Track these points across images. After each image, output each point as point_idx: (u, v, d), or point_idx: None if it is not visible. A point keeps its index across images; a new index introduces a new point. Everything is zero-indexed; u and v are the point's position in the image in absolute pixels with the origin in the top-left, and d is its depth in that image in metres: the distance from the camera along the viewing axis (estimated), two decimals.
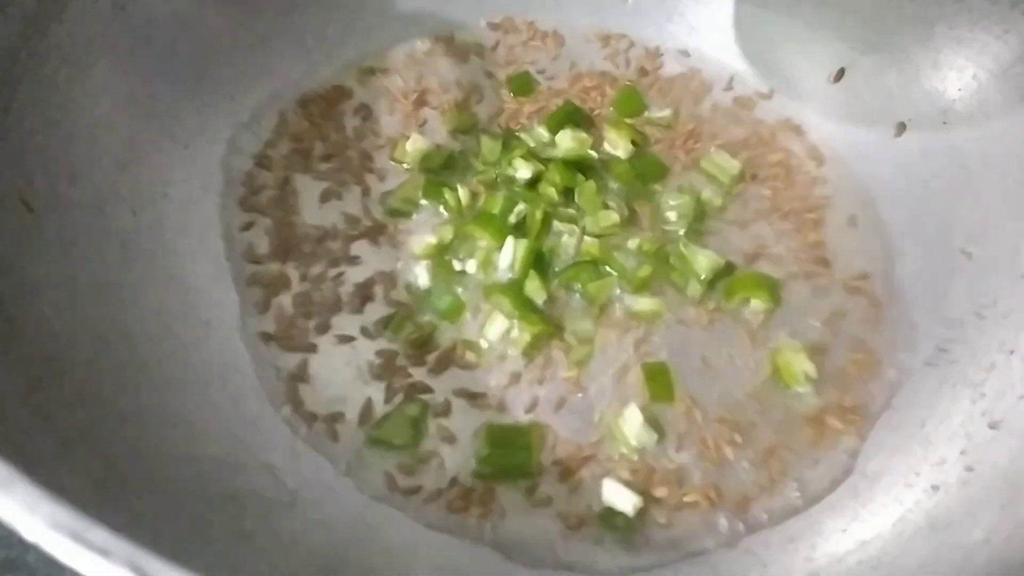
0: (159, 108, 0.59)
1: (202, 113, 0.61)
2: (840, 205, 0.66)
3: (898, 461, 0.52)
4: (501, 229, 0.61)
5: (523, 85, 0.72)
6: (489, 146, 0.66)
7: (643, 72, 0.74)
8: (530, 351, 0.57)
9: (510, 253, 0.60)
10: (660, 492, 0.53)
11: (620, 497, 0.52)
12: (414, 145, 0.65)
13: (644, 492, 0.52)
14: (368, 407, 0.55)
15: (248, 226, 0.61)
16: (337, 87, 0.69)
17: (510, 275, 0.60)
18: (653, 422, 0.55)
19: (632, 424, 0.54)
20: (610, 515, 0.52)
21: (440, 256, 0.61)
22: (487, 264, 0.61)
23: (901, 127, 0.66)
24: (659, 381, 0.57)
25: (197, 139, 0.61)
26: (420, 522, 0.51)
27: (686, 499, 0.53)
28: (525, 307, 0.58)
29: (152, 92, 0.58)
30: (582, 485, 0.53)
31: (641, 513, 0.51)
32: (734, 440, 0.55)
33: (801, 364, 0.57)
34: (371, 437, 0.53)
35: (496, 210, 0.62)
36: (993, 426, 0.50)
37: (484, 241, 0.61)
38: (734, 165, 0.67)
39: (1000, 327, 0.54)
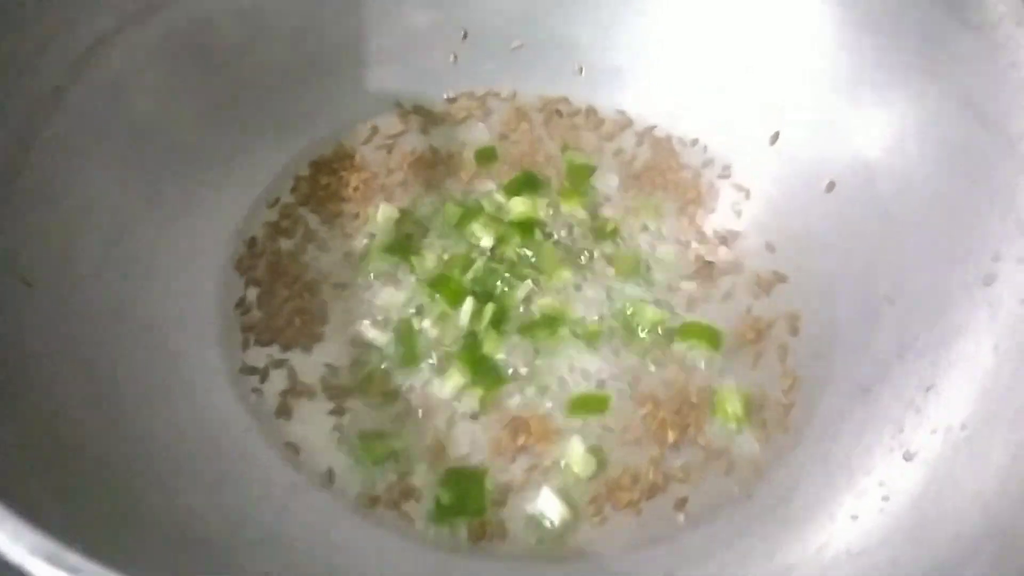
0: (150, 186, 0.64)
1: (189, 189, 0.67)
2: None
3: (825, 493, 0.56)
4: (458, 291, 0.66)
5: (486, 155, 0.78)
6: (452, 211, 0.72)
7: (597, 135, 0.80)
8: (485, 404, 0.63)
9: (468, 313, 0.65)
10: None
11: (551, 506, 0.57)
12: (383, 214, 0.71)
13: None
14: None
15: (240, 295, 0.67)
16: (314, 163, 0.75)
17: (467, 334, 0.65)
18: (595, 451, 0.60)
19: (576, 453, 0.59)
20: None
21: (403, 316, 0.66)
22: (444, 323, 0.66)
23: (831, 185, 0.72)
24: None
25: (184, 215, 0.66)
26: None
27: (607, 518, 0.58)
28: (481, 367, 0.64)
29: (141, 175, 0.64)
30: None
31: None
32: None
33: (733, 406, 0.61)
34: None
35: (455, 272, 0.67)
36: (908, 458, 0.55)
37: (442, 301, 0.67)
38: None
39: (919, 366, 0.59)
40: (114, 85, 0.63)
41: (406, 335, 0.65)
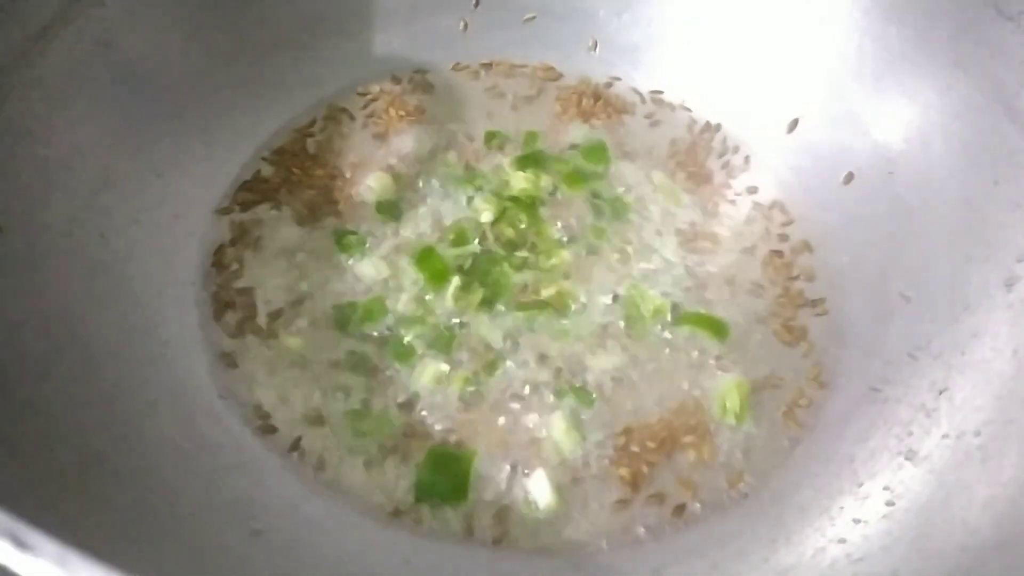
0: (135, 138, 0.62)
1: (177, 144, 0.64)
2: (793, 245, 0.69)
3: (825, 494, 0.54)
4: (443, 270, 0.64)
5: (493, 137, 0.75)
6: (454, 173, 0.70)
7: (609, 115, 0.77)
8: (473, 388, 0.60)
9: (452, 295, 0.63)
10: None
11: (541, 489, 0.54)
12: (378, 181, 0.68)
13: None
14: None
15: (218, 256, 0.64)
16: (308, 125, 0.73)
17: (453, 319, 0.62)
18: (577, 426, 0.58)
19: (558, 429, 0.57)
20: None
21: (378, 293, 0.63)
22: (428, 303, 0.63)
23: (849, 176, 0.69)
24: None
25: (171, 170, 0.63)
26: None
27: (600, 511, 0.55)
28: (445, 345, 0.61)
29: (129, 124, 0.61)
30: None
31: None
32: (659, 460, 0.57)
33: (733, 401, 0.58)
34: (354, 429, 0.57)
35: (442, 248, 0.65)
36: (916, 463, 0.52)
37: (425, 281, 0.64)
38: None
39: (932, 368, 0.56)
40: (104, 29, 0.60)
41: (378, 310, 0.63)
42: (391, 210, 0.68)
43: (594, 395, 0.59)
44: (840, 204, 0.68)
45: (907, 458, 0.52)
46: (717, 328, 0.63)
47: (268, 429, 0.57)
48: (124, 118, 0.61)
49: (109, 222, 0.58)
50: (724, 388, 0.60)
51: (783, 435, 0.58)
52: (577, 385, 0.60)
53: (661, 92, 0.78)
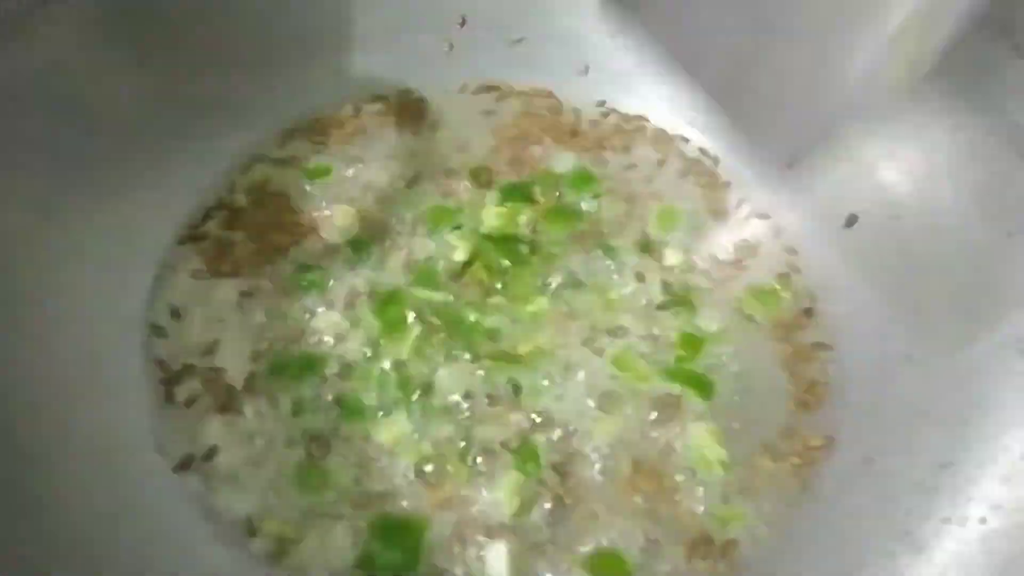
0: (77, 166, 0.57)
1: (125, 173, 0.60)
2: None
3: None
4: (401, 319, 0.59)
5: (479, 173, 0.70)
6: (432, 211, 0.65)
7: (601, 144, 0.72)
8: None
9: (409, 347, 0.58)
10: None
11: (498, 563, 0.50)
12: (343, 220, 0.64)
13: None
14: None
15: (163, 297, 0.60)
16: (271, 151, 0.68)
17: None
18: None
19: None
20: None
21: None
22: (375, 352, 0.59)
23: (852, 218, 0.64)
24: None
25: (117, 200, 0.59)
26: None
27: None
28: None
29: (72, 150, 0.57)
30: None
31: None
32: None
33: (714, 452, 0.54)
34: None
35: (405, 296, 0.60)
36: (913, 551, 0.47)
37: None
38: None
39: (934, 439, 0.52)
40: (45, 48, 0.55)
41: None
42: (358, 247, 0.63)
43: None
44: (841, 248, 0.64)
45: (902, 545, 0.47)
46: (703, 387, 0.58)
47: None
48: (66, 143, 0.57)
49: (46, 256, 0.54)
50: (698, 438, 0.55)
51: (771, 511, 0.53)
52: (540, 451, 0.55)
53: (652, 119, 0.73)
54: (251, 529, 0.51)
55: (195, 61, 0.64)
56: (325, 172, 0.67)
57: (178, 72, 0.63)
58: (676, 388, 0.58)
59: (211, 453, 0.53)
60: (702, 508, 0.53)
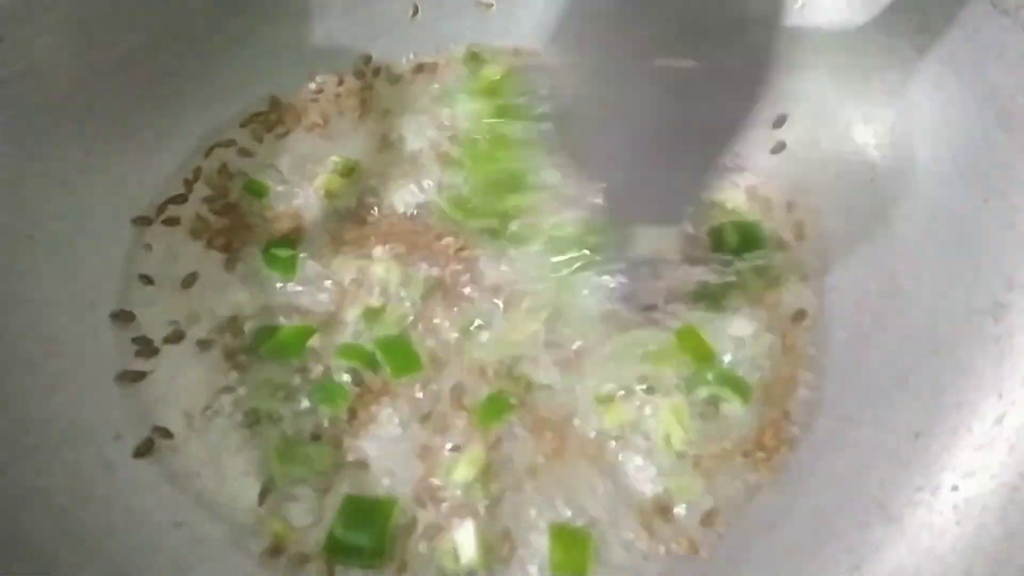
0: (34, 143, 0.55)
1: (85, 149, 0.58)
2: None
3: (782, 559, 0.48)
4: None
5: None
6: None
7: None
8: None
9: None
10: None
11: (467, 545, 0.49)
12: (321, 187, 0.62)
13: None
14: None
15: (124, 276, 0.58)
16: (239, 124, 0.67)
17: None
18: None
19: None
20: None
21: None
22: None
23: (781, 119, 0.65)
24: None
25: (77, 178, 0.57)
26: None
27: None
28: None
29: (29, 127, 0.55)
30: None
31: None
32: None
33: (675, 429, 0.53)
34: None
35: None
36: (886, 522, 0.46)
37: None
38: None
39: (908, 408, 0.51)
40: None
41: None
42: (332, 223, 0.62)
43: None
44: (818, 213, 0.62)
45: (876, 516, 0.47)
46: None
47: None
48: (23, 120, 0.55)
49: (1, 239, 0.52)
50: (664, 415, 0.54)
51: (745, 483, 0.53)
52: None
53: None
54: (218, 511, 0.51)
55: (151, 36, 0.61)
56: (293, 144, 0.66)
57: (135, 44, 0.61)
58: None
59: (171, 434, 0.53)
60: (665, 479, 0.53)
